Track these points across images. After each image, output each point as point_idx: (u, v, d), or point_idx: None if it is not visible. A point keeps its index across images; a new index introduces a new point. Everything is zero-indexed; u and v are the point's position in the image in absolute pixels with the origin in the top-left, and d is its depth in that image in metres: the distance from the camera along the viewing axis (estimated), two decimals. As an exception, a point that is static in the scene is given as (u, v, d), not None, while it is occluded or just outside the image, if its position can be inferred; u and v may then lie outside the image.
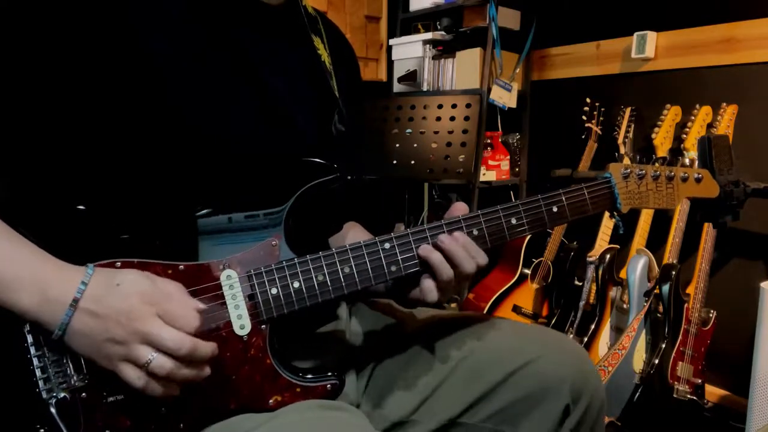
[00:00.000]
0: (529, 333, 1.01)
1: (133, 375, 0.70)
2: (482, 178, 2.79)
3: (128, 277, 0.72)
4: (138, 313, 0.70)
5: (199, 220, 0.81)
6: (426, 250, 0.86)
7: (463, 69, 2.87)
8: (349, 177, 1.01)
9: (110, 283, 0.71)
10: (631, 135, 2.46)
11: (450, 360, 0.97)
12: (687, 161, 0.95)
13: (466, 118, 2.58)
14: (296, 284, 0.82)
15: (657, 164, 1.01)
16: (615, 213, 0.99)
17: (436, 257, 0.86)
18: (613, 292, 2.30)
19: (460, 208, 0.91)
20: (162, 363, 0.70)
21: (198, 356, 0.72)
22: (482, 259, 0.88)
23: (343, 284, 0.84)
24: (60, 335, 0.70)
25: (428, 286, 0.87)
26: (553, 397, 0.91)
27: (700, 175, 1.03)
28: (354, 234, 1.12)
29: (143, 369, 0.70)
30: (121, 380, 0.71)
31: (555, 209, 0.94)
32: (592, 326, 2.27)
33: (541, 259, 2.64)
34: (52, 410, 0.72)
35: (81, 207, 0.78)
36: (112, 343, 0.70)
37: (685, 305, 2.07)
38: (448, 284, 0.87)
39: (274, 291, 0.81)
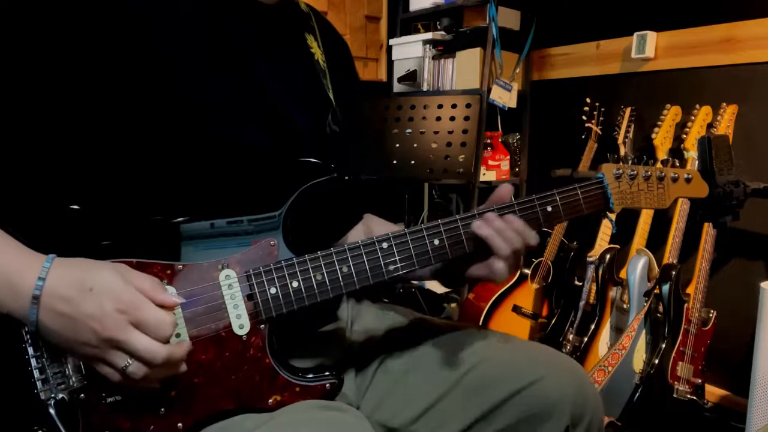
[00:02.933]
0: (533, 352, 1.01)
1: (110, 372, 0.71)
2: (482, 178, 2.79)
3: (100, 281, 0.70)
4: (111, 322, 0.69)
5: (181, 225, 0.80)
6: (481, 227, 0.88)
7: (463, 69, 2.87)
8: (346, 177, 1.01)
9: (82, 285, 0.69)
10: (631, 135, 2.46)
11: (454, 372, 0.96)
12: (677, 162, 0.96)
13: (466, 118, 2.58)
14: (295, 284, 0.82)
15: (649, 164, 1.02)
16: (607, 213, 1.00)
17: (488, 232, 0.88)
18: (613, 292, 2.30)
19: (506, 190, 0.94)
20: (137, 368, 0.70)
21: (173, 360, 0.72)
22: (533, 239, 0.90)
23: (342, 284, 0.84)
24: (34, 331, 0.70)
25: (492, 262, 0.89)
26: (555, 419, 0.91)
27: (689, 176, 1.03)
28: (367, 226, 1.12)
29: (120, 370, 0.70)
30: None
31: (549, 209, 0.94)
32: (592, 326, 2.27)
33: (541, 259, 2.63)
34: (51, 411, 0.72)
35: (74, 206, 0.78)
36: (86, 345, 0.70)
37: (685, 305, 2.07)
38: (507, 258, 0.89)
39: (273, 291, 0.81)
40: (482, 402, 0.93)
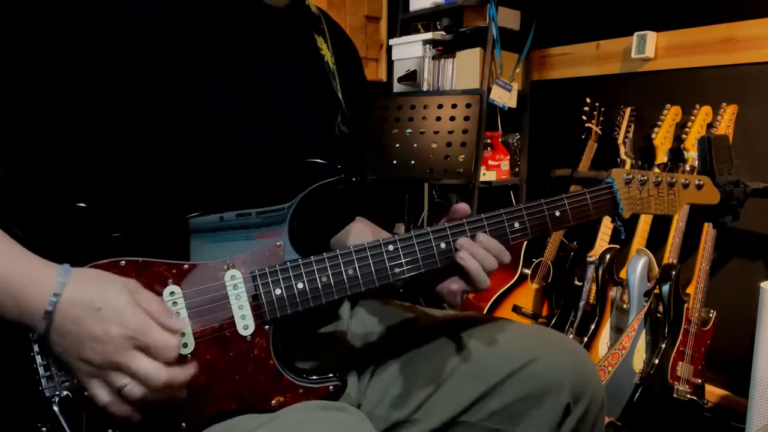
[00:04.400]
0: (530, 332, 1.02)
1: (99, 392, 0.70)
2: (482, 178, 2.79)
3: (110, 301, 0.70)
4: (115, 346, 0.69)
5: (190, 219, 0.80)
6: (466, 259, 0.86)
7: (463, 69, 2.87)
8: (353, 179, 1.01)
9: (91, 305, 0.70)
10: (631, 135, 2.46)
11: (451, 359, 0.97)
12: (688, 168, 0.96)
13: (466, 118, 2.58)
14: (300, 285, 0.82)
15: (659, 170, 1.02)
16: (617, 218, 1.00)
17: (474, 266, 0.86)
18: (613, 292, 2.30)
19: (461, 209, 0.91)
20: (135, 389, 0.70)
21: (174, 385, 0.72)
22: (506, 257, 0.89)
23: (347, 286, 0.84)
24: (40, 341, 0.71)
25: (456, 287, 0.88)
26: (554, 397, 0.92)
27: (701, 182, 1.03)
28: (359, 229, 1.12)
29: (115, 391, 0.70)
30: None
31: (558, 213, 0.94)
32: (592, 326, 2.28)
33: (541, 259, 2.64)
34: (55, 408, 0.72)
35: (81, 204, 0.78)
36: (85, 363, 0.70)
37: (685, 305, 2.07)
38: (478, 286, 0.88)
39: (278, 292, 0.81)
40: (479, 385, 0.94)
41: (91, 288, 0.71)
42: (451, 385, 0.96)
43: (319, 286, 0.83)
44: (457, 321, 1.04)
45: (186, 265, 0.79)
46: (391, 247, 0.86)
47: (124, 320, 0.70)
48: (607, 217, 1.01)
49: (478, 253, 0.87)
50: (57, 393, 0.72)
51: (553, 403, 0.92)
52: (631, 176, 0.99)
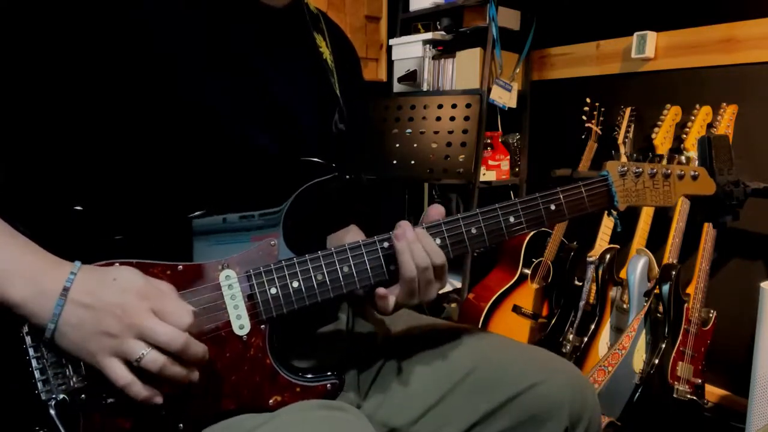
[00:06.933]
0: (533, 355, 1.01)
1: (120, 371, 0.70)
2: (482, 178, 2.79)
3: (124, 273, 0.73)
4: (133, 308, 0.70)
5: (193, 220, 0.81)
6: (400, 237, 0.85)
7: (463, 69, 2.87)
8: (347, 176, 1.00)
9: (105, 278, 0.72)
10: (631, 135, 2.46)
11: (455, 373, 0.96)
12: (683, 159, 0.95)
13: (466, 118, 2.58)
14: (295, 284, 0.82)
15: (654, 162, 1.01)
16: (612, 211, 0.99)
17: (403, 246, 0.85)
18: (613, 292, 2.30)
19: (437, 211, 0.91)
20: (155, 358, 0.70)
21: (190, 354, 0.72)
22: (438, 258, 0.87)
23: (343, 284, 0.84)
24: (53, 330, 0.70)
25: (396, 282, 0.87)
26: (555, 421, 0.92)
27: (696, 173, 1.03)
28: (351, 237, 1.12)
29: (133, 364, 0.69)
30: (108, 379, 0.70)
31: (553, 207, 0.94)
32: (592, 326, 2.27)
33: (541, 259, 2.63)
34: (52, 412, 0.71)
35: (78, 207, 0.78)
36: (104, 336, 0.69)
37: (685, 305, 2.06)
38: (411, 282, 0.86)
39: (273, 291, 0.81)
40: (482, 404, 0.93)
41: (103, 268, 0.74)
42: (455, 399, 0.95)
43: (315, 284, 0.82)
44: (461, 333, 1.03)
45: (180, 266, 0.79)
46: (386, 245, 0.86)
47: (139, 288, 0.72)
48: (608, 217, 1.00)
49: (414, 247, 0.85)
50: (53, 396, 0.72)
51: (552, 427, 0.92)
52: (626, 168, 0.98)
